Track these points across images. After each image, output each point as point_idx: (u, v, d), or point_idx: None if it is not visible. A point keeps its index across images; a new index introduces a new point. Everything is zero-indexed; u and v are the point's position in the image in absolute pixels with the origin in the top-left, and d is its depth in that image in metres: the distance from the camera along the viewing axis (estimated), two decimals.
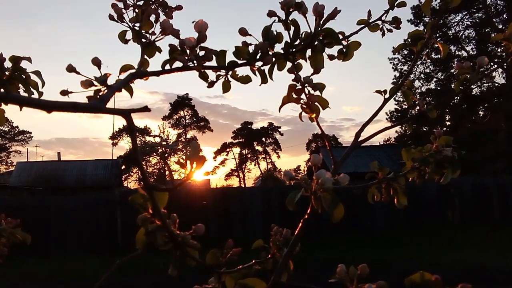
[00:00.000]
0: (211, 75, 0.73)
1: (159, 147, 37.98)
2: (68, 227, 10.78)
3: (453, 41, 23.41)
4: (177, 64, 0.67)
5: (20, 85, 0.83)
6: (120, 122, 41.28)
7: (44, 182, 22.21)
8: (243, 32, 0.72)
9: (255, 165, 47.50)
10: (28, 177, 23.93)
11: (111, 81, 0.64)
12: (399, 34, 0.95)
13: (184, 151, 37.65)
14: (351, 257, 8.14)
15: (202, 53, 0.67)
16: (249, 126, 47.48)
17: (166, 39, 0.71)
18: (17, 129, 39.94)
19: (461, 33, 24.37)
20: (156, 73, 0.66)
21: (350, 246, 9.88)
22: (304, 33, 0.73)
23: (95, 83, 0.64)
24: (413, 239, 10.44)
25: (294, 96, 0.79)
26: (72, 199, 11.75)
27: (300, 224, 0.72)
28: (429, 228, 11.53)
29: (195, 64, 0.67)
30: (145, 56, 0.70)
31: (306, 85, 0.78)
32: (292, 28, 0.72)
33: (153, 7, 0.74)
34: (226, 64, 0.71)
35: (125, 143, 39.43)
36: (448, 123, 24.62)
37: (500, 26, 22.69)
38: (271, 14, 0.72)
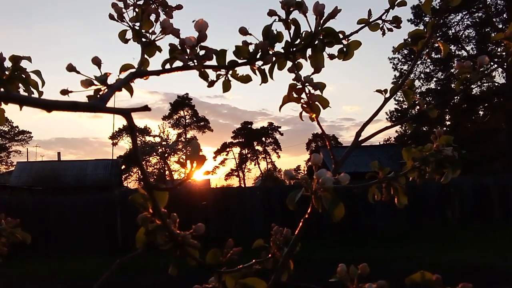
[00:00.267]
0: (211, 74, 0.73)
1: (159, 147, 37.98)
2: (68, 227, 10.78)
3: (453, 40, 23.40)
4: (178, 63, 0.67)
5: (20, 84, 0.83)
6: (120, 122, 41.34)
7: (44, 182, 22.20)
8: (243, 31, 0.72)
9: (255, 165, 47.52)
10: (28, 177, 23.92)
11: (111, 80, 0.64)
12: (399, 34, 0.95)
13: (184, 151, 37.67)
14: (351, 256, 8.13)
15: (202, 52, 0.67)
16: (249, 126, 47.48)
17: (166, 38, 0.71)
18: (17, 129, 39.94)
19: (461, 33, 24.38)
20: (157, 73, 0.66)
21: (350, 246, 9.88)
22: (304, 33, 0.73)
23: (95, 82, 0.64)
24: (413, 238, 10.44)
25: (295, 95, 0.79)
26: (72, 199, 11.74)
27: (301, 224, 0.72)
28: (429, 227, 11.53)
29: (196, 64, 0.67)
30: (145, 56, 0.70)
31: (307, 84, 0.78)
32: (293, 28, 0.72)
33: (153, 6, 0.73)
34: (227, 64, 0.71)
35: (125, 143, 39.46)
36: (448, 122, 24.63)
37: (500, 26, 22.68)
38: (271, 13, 0.72)
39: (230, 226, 11.25)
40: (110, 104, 0.56)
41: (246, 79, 0.74)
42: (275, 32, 0.72)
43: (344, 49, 0.77)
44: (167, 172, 38.46)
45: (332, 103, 0.81)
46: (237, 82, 0.75)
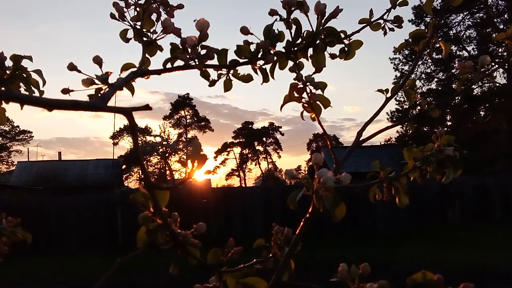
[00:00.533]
0: (213, 74, 0.73)
1: (159, 147, 38.00)
2: (69, 227, 10.79)
3: (454, 41, 23.38)
4: (179, 62, 0.67)
5: (21, 83, 0.83)
6: (121, 122, 41.36)
7: (44, 181, 22.21)
8: (244, 30, 0.72)
9: (255, 165, 47.50)
10: (28, 177, 23.93)
11: (112, 79, 0.64)
12: (400, 34, 0.95)
13: (185, 151, 37.68)
14: (352, 256, 8.13)
15: (203, 51, 0.67)
16: (250, 126, 47.47)
17: (168, 37, 0.71)
18: (18, 129, 39.95)
19: (462, 33, 24.36)
20: (158, 72, 0.66)
21: (350, 246, 9.87)
22: (305, 32, 0.73)
23: (96, 81, 0.64)
24: (414, 238, 10.43)
25: (296, 95, 0.79)
26: (73, 198, 11.76)
27: (302, 223, 0.72)
28: (430, 227, 11.53)
29: (197, 63, 0.67)
30: (147, 55, 0.70)
31: (308, 84, 0.77)
32: (294, 27, 0.72)
33: (154, 5, 0.73)
34: (228, 63, 0.71)
35: (125, 143, 39.52)
36: (449, 123, 24.61)
37: (501, 26, 22.67)
38: (272, 12, 0.72)
39: (230, 225, 11.25)
40: (111, 104, 0.56)
41: (247, 79, 0.74)
42: (276, 31, 0.72)
43: (346, 49, 0.77)
44: (167, 172, 38.48)
45: (333, 103, 0.81)
46: (238, 82, 0.75)
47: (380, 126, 0.92)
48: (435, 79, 24.98)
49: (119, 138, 38.76)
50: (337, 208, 0.61)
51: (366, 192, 0.87)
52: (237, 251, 0.69)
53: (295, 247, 0.73)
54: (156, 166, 39.00)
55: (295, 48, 0.73)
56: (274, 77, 0.75)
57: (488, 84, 21.63)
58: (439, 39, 0.89)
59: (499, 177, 13.56)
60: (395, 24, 0.85)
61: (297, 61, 0.76)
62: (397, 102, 24.38)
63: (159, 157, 38.62)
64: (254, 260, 0.73)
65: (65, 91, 0.64)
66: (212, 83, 0.73)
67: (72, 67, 0.66)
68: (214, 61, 0.70)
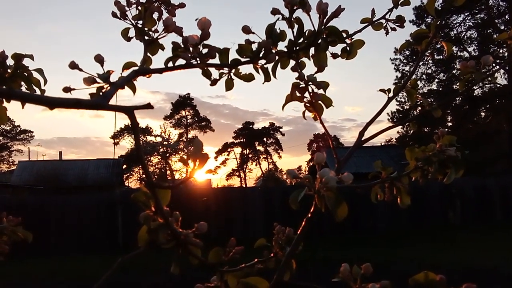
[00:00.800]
0: (214, 73, 0.73)
1: (160, 147, 38.02)
2: (69, 226, 10.79)
3: (455, 41, 23.36)
4: (180, 61, 0.66)
5: (22, 82, 0.82)
6: (122, 121, 41.36)
7: (45, 181, 22.22)
8: (246, 30, 0.71)
9: (256, 165, 47.51)
10: (29, 176, 23.94)
11: (114, 78, 0.64)
12: (401, 35, 0.94)
13: (186, 150, 37.69)
14: (352, 257, 8.12)
15: (205, 50, 0.66)
16: (251, 126, 47.46)
17: (169, 36, 0.71)
18: (19, 128, 39.96)
19: (463, 34, 24.34)
20: (159, 71, 0.66)
21: (351, 246, 9.87)
22: (307, 31, 0.73)
23: (98, 80, 0.64)
24: (414, 239, 10.43)
25: (298, 94, 0.78)
26: (73, 198, 11.76)
27: (303, 223, 0.72)
28: (430, 228, 11.53)
29: (198, 62, 0.66)
30: (148, 54, 0.70)
31: (310, 83, 0.77)
32: (296, 26, 0.72)
33: (156, 4, 0.73)
34: (229, 62, 0.71)
35: (126, 143, 39.53)
36: (449, 123, 24.59)
37: (503, 27, 22.66)
38: (274, 12, 0.72)
39: (231, 225, 11.24)
40: (112, 103, 0.55)
41: (249, 78, 0.74)
42: (278, 30, 0.72)
43: (348, 48, 0.77)
44: (168, 172, 38.49)
45: (333, 104, 0.81)
46: (239, 82, 0.74)
47: (381, 127, 0.91)
48: (436, 80, 24.98)
49: (120, 138, 38.80)
50: (339, 208, 0.61)
51: (367, 192, 0.87)
52: (238, 250, 0.69)
53: (297, 247, 0.73)
54: (156, 166, 39.03)
55: (297, 48, 0.73)
56: (276, 76, 0.75)
57: (489, 85, 21.62)
58: (441, 40, 0.89)
59: (499, 178, 13.56)
60: (397, 24, 0.85)
61: (299, 61, 0.75)
62: (397, 103, 24.36)
63: (159, 157, 38.64)
64: (256, 260, 0.73)
65: (67, 89, 0.64)
66: (214, 82, 0.73)
67: (73, 65, 0.65)
68: (216, 60, 0.69)
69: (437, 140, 0.85)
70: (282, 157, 48.70)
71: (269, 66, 0.73)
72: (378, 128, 0.89)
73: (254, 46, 0.71)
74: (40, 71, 0.83)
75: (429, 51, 0.90)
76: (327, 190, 0.61)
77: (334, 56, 0.76)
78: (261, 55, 0.71)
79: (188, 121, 44.08)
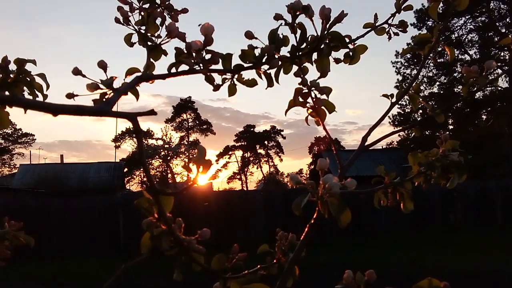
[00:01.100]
0: (217, 78, 0.73)
1: (161, 150, 38.03)
2: (70, 230, 10.79)
3: (456, 45, 23.37)
4: (183, 67, 0.66)
5: (24, 87, 0.82)
6: (123, 125, 41.40)
7: (46, 184, 22.21)
8: (249, 35, 0.71)
9: (257, 168, 47.49)
10: (31, 180, 23.95)
11: (117, 84, 0.64)
12: (402, 38, 0.95)
13: (187, 154, 37.71)
14: (354, 260, 8.12)
15: (208, 56, 0.66)
16: (252, 129, 47.44)
17: (172, 42, 0.71)
18: (20, 132, 40.01)
19: (464, 37, 24.37)
20: (162, 76, 0.66)
21: (352, 249, 9.86)
22: (310, 37, 0.73)
23: (101, 86, 0.64)
24: (415, 242, 10.41)
25: (301, 99, 0.78)
26: (75, 201, 11.74)
27: (306, 229, 0.72)
28: (432, 231, 11.51)
29: (201, 68, 0.66)
30: (151, 59, 0.70)
31: (313, 89, 0.77)
32: (299, 32, 0.72)
33: (159, 10, 0.73)
34: (232, 68, 0.71)
35: (127, 146, 39.52)
36: (451, 126, 24.59)
37: (503, 30, 22.68)
38: (277, 17, 0.72)
39: (232, 229, 11.23)
40: (114, 108, 0.55)
41: (251, 83, 0.74)
42: (281, 36, 0.72)
43: (350, 54, 0.76)
44: (169, 175, 38.49)
45: (335, 108, 0.81)
46: (241, 86, 0.74)
47: (382, 130, 0.91)
48: (437, 83, 24.99)
49: (121, 141, 38.81)
50: (342, 214, 0.60)
51: (369, 196, 0.87)
52: (241, 257, 0.69)
53: (300, 253, 0.73)
54: (158, 169, 39.04)
55: (300, 53, 0.73)
56: (279, 81, 0.74)
57: (490, 88, 21.60)
58: (443, 43, 0.89)
59: (501, 181, 13.55)
60: (400, 29, 0.85)
61: (302, 66, 0.75)
62: (399, 106, 24.37)
63: (161, 160, 38.65)
64: (258, 266, 0.73)
65: (70, 95, 0.64)
66: (217, 88, 0.73)
67: (76, 71, 0.65)
68: (219, 66, 0.69)
69: (440, 144, 0.85)
70: (283, 160, 48.69)
71: (272, 72, 0.73)
72: (380, 131, 0.89)
73: (257, 52, 0.71)
74: (42, 76, 0.83)
75: (431, 55, 0.89)
76: (331, 196, 0.61)
77: (337, 61, 0.76)
78: (264, 60, 0.71)
79: (189, 124, 44.12)
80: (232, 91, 0.74)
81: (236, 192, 17.97)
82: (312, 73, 0.77)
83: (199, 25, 0.66)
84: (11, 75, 0.81)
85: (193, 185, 0.56)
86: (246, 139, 46.63)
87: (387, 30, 0.84)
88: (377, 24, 0.83)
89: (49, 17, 66.28)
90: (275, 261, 0.76)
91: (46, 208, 10.87)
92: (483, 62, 0.85)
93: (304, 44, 0.73)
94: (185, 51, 0.66)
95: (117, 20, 0.71)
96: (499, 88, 22.06)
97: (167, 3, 0.74)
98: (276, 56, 0.71)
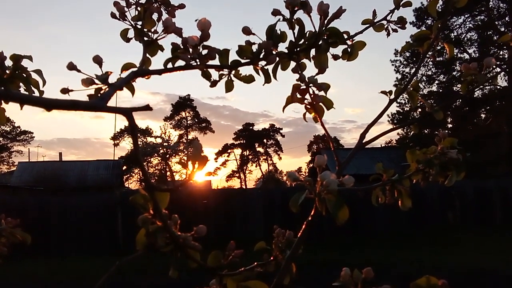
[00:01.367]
0: (214, 74, 0.72)
1: (160, 148, 38.01)
2: (69, 227, 10.78)
3: (455, 43, 23.36)
4: (180, 62, 0.66)
5: (21, 83, 0.82)
6: (122, 123, 41.36)
7: (45, 182, 22.20)
8: (246, 31, 0.71)
9: (256, 166, 47.49)
10: (29, 177, 23.93)
11: (112, 79, 0.64)
12: (401, 36, 0.94)
13: (186, 152, 37.68)
14: (352, 259, 8.12)
15: (205, 51, 0.66)
16: (251, 127, 47.43)
17: (169, 37, 0.70)
18: (19, 129, 39.95)
19: (463, 36, 24.36)
20: (158, 72, 0.65)
21: (350, 248, 9.86)
22: (308, 33, 0.72)
23: (96, 81, 0.63)
24: (414, 241, 10.42)
25: (298, 96, 0.78)
26: (73, 199, 11.74)
27: (304, 226, 0.71)
28: (430, 230, 11.52)
29: (198, 63, 0.66)
30: (147, 55, 0.69)
31: (311, 85, 0.77)
32: (297, 27, 0.71)
33: (155, 5, 0.73)
34: (229, 63, 0.70)
35: (126, 144, 39.51)
36: (449, 125, 24.59)
37: (503, 29, 22.66)
38: (275, 13, 0.71)
39: (230, 227, 11.23)
40: (111, 104, 0.55)
41: (249, 79, 0.73)
42: (279, 31, 0.71)
43: (349, 50, 0.76)
44: (168, 173, 38.48)
45: (334, 105, 0.81)
46: (239, 83, 0.74)
47: (381, 128, 0.91)
48: (436, 82, 24.99)
49: (120, 139, 38.78)
50: (340, 212, 0.60)
51: (367, 195, 0.87)
52: (238, 254, 0.68)
53: (297, 250, 0.73)
54: (156, 167, 39.02)
55: (298, 49, 0.72)
56: (277, 77, 0.74)
57: (489, 87, 21.62)
58: (442, 41, 0.89)
59: (499, 180, 13.56)
60: (399, 25, 0.84)
61: (300, 62, 0.75)
62: (398, 104, 24.35)
63: (159, 158, 38.64)
64: (255, 263, 0.72)
65: (65, 91, 0.63)
66: (214, 84, 0.72)
67: (71, 66, 0.65)
68: (216, 62, 0.69)
69: (438, 142, 0.85)
70: (282, 158, 48.66)
71: (270, 68, 0.73)
72: (378, 130, 0.89)
73: (255, 47, 0.71)
74: (38, 72, 0.83)
75: (430, 53, 0.89)
76: (328, 193, 0.60)
77: (335, 57, 0.75)
78: (261, 56, 0.70)
79: (188, 122, 44.09)
80: (229, 87, 0.73)
81: (235, 190, 17.96)
82: (310, 70, 0.76)
83: (196, 20, 0.65)
84: (7, 71, 0.81)
85: (189, 181, 0.55)
86: (245, 137, 46.62)
87: (385, 26, 0.84)
88: (375, 21, 0.82)
89: (45, 14, 66.20)
90: (272, 258, 0.76)
91: (44, 206, 10.86)
92: (482, 61, 0.85)
93: (302, 40, 0.72)
94: (182, 47, 0.66)
95: (113, 15, 0.70)
96: (498, 87, 22.07)
97: None
98: (274, 52, 0.71)
